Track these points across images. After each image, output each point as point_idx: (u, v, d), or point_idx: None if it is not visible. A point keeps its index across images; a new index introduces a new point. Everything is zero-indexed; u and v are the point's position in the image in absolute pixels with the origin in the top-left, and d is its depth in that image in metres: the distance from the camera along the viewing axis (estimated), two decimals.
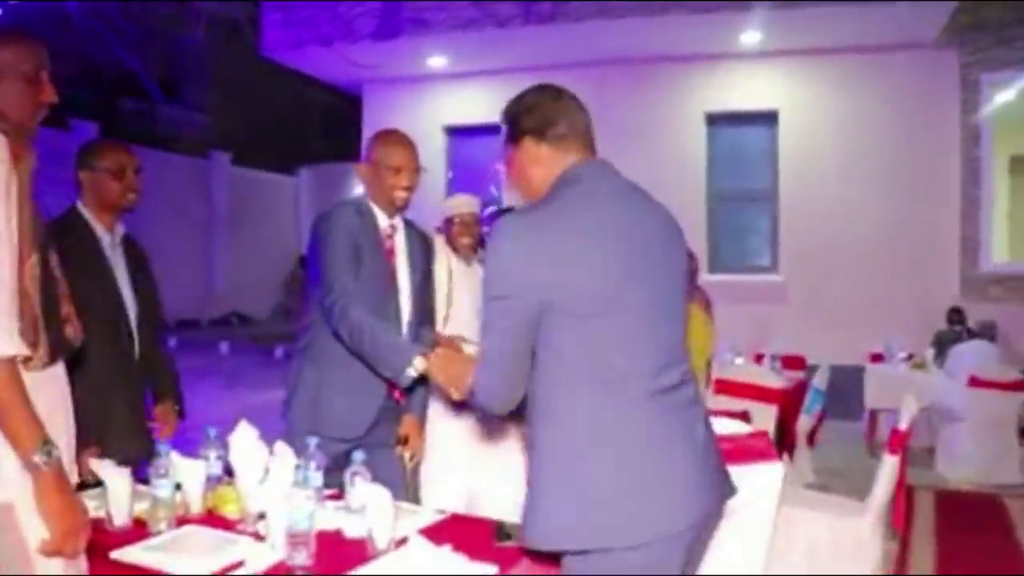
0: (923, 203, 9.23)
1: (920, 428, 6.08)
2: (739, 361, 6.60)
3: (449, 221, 3.90)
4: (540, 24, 8.89)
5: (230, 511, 2.33)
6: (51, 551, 1.66)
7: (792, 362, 7.05)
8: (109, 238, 2.93)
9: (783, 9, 8.17)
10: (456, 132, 10.97)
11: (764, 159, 9.95)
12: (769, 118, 9.80)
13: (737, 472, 2.83)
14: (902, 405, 3.81)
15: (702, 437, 1.95)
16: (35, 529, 1.67)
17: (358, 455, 2.32)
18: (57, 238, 2.62)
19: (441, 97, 10.87)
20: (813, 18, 8.31)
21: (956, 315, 7.87)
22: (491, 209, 10.96)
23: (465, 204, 3.97)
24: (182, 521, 2.29)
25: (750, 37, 9.04)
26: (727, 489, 2.04)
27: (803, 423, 5.96)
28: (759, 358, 7.07)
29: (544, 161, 2.06)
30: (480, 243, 4.08)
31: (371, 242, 2.95)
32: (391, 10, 9.24)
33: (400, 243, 3.04)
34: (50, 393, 1.76)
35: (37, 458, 1.62)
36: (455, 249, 3.86)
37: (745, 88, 9.76)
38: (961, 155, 9.20)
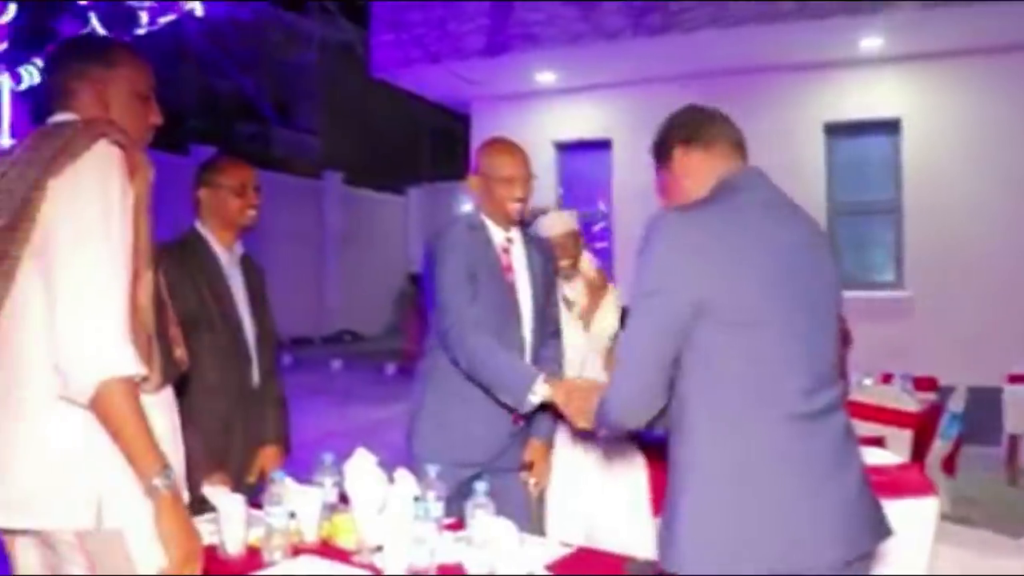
0: None
1: None
2: (867, 382, 6.26)
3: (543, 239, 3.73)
4: (650, 36, 8.72)
5: (345, 541, 2.23)
6: None
7: (924, 383, 6.65)
8: (228, 256, 2.89)
9: (905, 12, 7.82)
10: (566, 148, 10.87)
11: (887, 169, 9.55)
12: (891, 127, 9.41)
13: (888, 508, 2.62)
14: None
15: (856, 469, 1.79)
16: (145, 556, 1.62)
17: (481, 486, 2.19)
18: (178, 258, 2.61)
19: (550, 112, 10.81)
20: (937, 20, 7.94)
21: None
22: (600, 225, 10.90)
23: (560, 224, 3.68)
24: (296, 550, 2.21)
25: (870, 42, 8.69)
26: (882, 530, 1.84)
27: (938, 449, 5.60)
28: (887, 378, 6.71)
29: (696, 169, 1.98)
30: (578, 259, 3.82)
31: (486, 259, 2.83)
32: (500, 26, 9.22)
33: (519, 256, 2.92)
34: (161, 417, 1.72)
35: (157, 481, 1.58)
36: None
37: (865, 96, 9.39)
38: None
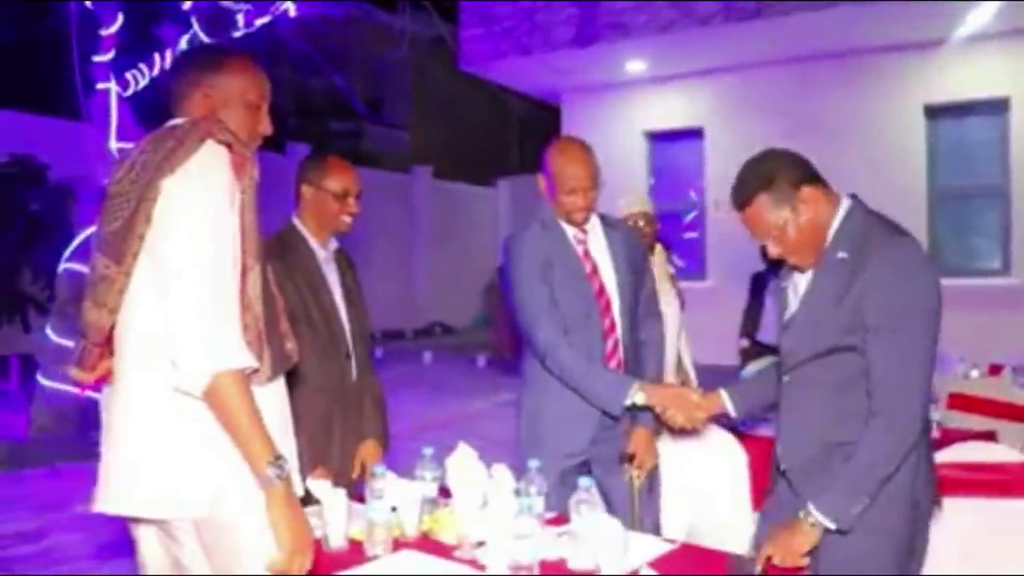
0: None
1: None
2: (975, 374, 6.02)
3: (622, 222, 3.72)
4: (743, 21, 8.54)
5: (447, 536, 2.25)
6: (280, 569, 1.65)
7: None
8: (324, 253, 2.92)
9: None
10: (657, 137, 10.77)
11: (992, 152, 9.19)
12: (998, 106, 9.03)
13: (1007, 508, 2.53)
14: None
15: None
16: (257, 547, 1.66)
17: (585, 481, 2.18)
18: (277, 254, 2.66)
19: (640, 102, 10.72)
20: None
21: None
22: (693, 215, 10.75)
23: (637, 203, 3.83)
24: (397, 545, 2.23)
25: (977, 18, 8.31)
26: None
27: None
28: (995, 370, 6.44)
29: (821, 204, 2.19)
30: (654, 244, 3.93)
31: (561, 252, 2.87)
32: (589, 16, 9.16)
33: (597, 243, 2.91)
34: (272, 408, 1.75)
35: (270, 472, 1.62)
36: None
37: (969, 75, 9.04)
38: None
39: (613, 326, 2.86)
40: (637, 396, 2.61)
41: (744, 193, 2.20)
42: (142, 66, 7.83)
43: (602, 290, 2.86)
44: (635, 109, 10.73)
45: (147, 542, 1.81)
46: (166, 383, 1.63)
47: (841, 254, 2.11)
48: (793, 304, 2.27)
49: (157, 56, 7.81)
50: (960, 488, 2.68)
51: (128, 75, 7.70)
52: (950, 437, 3.78)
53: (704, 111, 10.23)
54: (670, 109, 10.58)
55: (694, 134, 10.21)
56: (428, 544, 2.26)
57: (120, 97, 7.69)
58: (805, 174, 2.18)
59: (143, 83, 7.83)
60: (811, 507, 2.04)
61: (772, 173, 2.17)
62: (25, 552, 4.78)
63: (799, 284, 2.25)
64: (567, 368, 2.70)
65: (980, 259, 9.37)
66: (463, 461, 2.23)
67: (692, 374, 4.22)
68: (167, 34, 7.74)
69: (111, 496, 1.70)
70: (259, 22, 7.75)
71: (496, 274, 17.03)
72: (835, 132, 9.28)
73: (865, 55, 9.20)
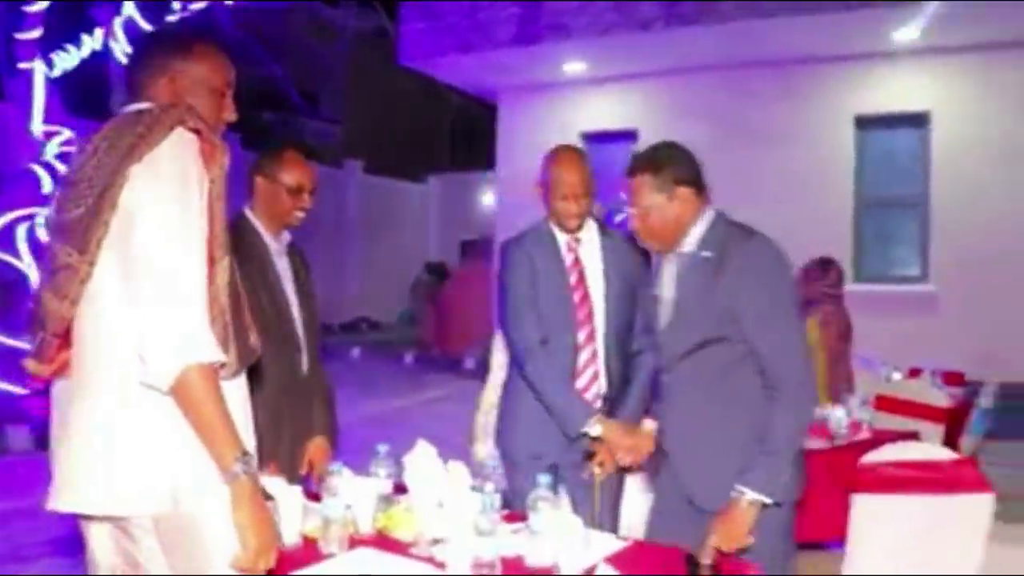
0: None
1: None
2: (896, 376, 6.23)
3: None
4: (684, 26, 8.65)
5: (403, 534, 2.24)
6: (244, 567, 1.61)
7: (952, 378, 6.61)
8: (277, 245, 2.88)
9: (943, 4, 7.72)
10: (593, 138, 10.83)
11: (914, 164, 9.48)
12: (920, 120, 9.33)
13: (943, 503, 2.63)
14: None
15: None
16: (220, 544, 1.62)
17: (543, 478, 2.20)
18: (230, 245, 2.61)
19: (578, 103, 10.78)
20: (975, 12, 7.84)
21: None
22: (622, 216, 10.87)
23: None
24: (352, 542, 2.21)
25: (905, 34, 8.59)
26: None
27: (968, 444, 5.57)
28: (914, 373, 6.68)
29: (690, 207, 2.46)
30: None
31: (549, 262, 2.92)
32: (531, 16, 9.18)
33: (591, 254, 2.94)
34: (235, 403, 1.70)
35: (237, 468, 1.58)
36: None
37: (896, 88, 9.31)
38: None
39: (592, 336, 2.89)
40: (594, 428, 2.73)
41: (636, 165, 2.49)
42: (70, 47, 7.61)
43: (585, 299, 2.89)
44: (572, 109, 10.79)
45: (98, 540, 1.76)
46: (129, 376, 1.59)
47: (706, 253, 2.37)
48: (665, 308, 2.48)
49: (86, 37, 7.61)
50: (896, 486, 2.77)
51: (55, 56, 7.48)
52: (880, 438, 3.91)
53: (640, 114, 10.31)
54: (606, 110, 10.66)
55: (629, 136, 10.30)
56: (384, 541, 2.25)
57: (46, 77, 7.45)
58: (690, 178, 2.43)
59: (71, 63, 7.62)
60: (742, 487, 2.23)
61: (665, 163, 2.44)
62: None
63: (666, 287, 2.48)
64: (537, 379, 2.80)
65: (900, 266, 9.65)
66: (422, 459, 2.23)
67: None
68: (100, 15, 7.52)
69: (65, 493, 1.65)
70: (195, 6, 7.57)
71: (424, 271, 17.02)
72: (767, 139, 9.48)
73: (799, 65, 9.40)
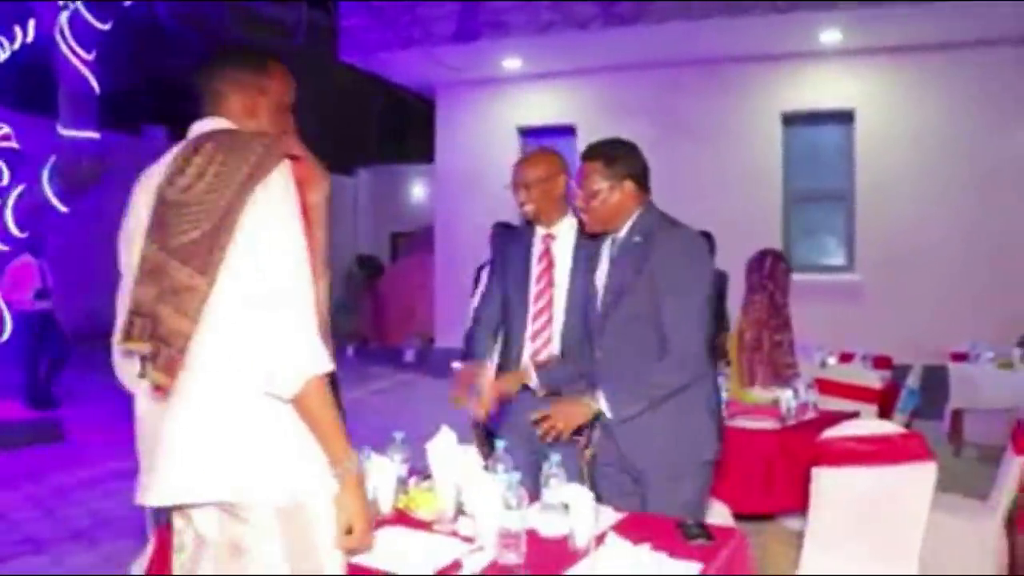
0: (1003, 202, 9.14)
1: (999, 427, 5.98)
2: (831, 361, 6.60)
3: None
4: (620, 25, 8.93)
5: (423, 513, 2.42)
6: (353, 547, 1.81)
7: (881, 362, 7.03)
8: None
9: (866, 8, 8.15)
10: (529, 133, 11.03)
11: (840, 159, 9.93)
12: (845, 117, 9.78)
13: (890, 472, 2.92)
14: None
15: None
16: (326, 531, 1.80)
17: (555, 457, 2.41)
18: None
19: (515, 98, 10.97)
20: (896, 16, 8.29)
21: None
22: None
23: None
24: (377, 523, 2.37)
25: (830, 36, 9.04)
26: None
27: (897, 422, 5.93)
28: (846, 357, 7.05)
29: (630, 200, 2.74)
30: None
31: (516, 252, 3.19)
32: (470, 13, 9.34)
33: (562, 249, 3.13)
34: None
35: (348, 465, 1.77)
36: None
37: (822, 87, 9.76)
38: None
39: (547, 324, 3.09)
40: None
41: (591, 152, 2.76)
42: (2, 39, 7.50)
43: (547, 289, 3.10)
44: (509, 104, 10.99)
45: (205, 524, 1.83)
46: (248, 386, 1.71)
47: (636, 238, 2.69)
48: (600, 290, 2.78)
49: (19, 29, 7.51)
50: (852, 458, 3.03)
51: None
52: (826, 418, 4.22)
53: (577, 109, 10.56)
54: (544, 106, 10.89)
55: (567, 131, 10.53)
56: (406, 520, 2.42)
57: None
58: (637, 175, 2.73)
59: (2, 56, 7.51)
60: (600, 395, 2.62)
61: (619, 157, 2.72)
62: None
63: (602, 271, 2.79)
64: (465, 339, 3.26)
65: (827, 256, 10.14)
66: (445, 443, 2.42)
67: None
68: (41, 8, 7.42)
69: (189, 486, 1.75)
70: None
71: (356, 263, 17.02)
72: (701, 135, 9.84)
73: (730, 65, 9.79)
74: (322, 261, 1.84)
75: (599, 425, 2.75)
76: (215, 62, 1.98)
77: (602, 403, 2.60)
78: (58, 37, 7.33)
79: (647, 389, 2.60)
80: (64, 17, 7.25)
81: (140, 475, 1.83)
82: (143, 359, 1.75)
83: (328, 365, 1.72)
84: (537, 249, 3.15)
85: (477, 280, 7.53)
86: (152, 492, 1.78)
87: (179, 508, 1.84)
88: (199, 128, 1.89)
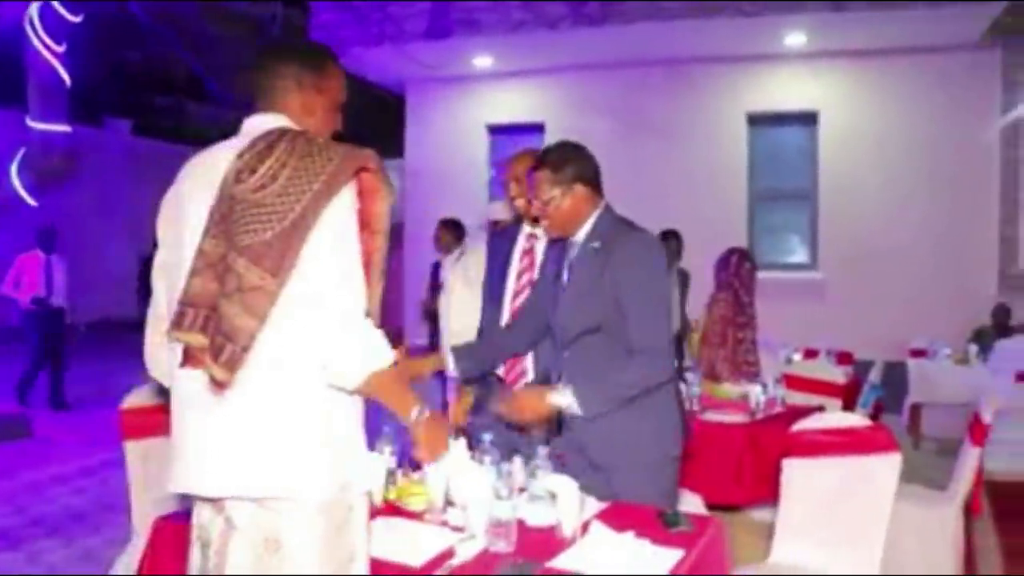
0: (962, 203, 9.40)
1: (956, 421, 6.14)
2: (797, 357, 6.76)
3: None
4: (590, 26, 9.04)
5: (414, 504, 2.50)
6: (423, 458, 2.05)
7: (843, 358, 7.20)
8: None
9: (830, 12, 8.33)
10: (498, 130, 11.10)
11: (804, 159, 10.12)
12: (809, 119, 9.97)
13: (857, 463, 3.04)
14: (983, 399, 3.92)
15: None
16: (362, 525, 1.90)
17: (542, 449, 2.49)
18: None
19: (484, 95, 11.03)
20: (858, 20, 8.49)
21: (1002, 312, 8.01)
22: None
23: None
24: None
25: (794, 39, 9.22)
26: None
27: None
28: (809, 353, 7.21)
29: (583, 203, 2.76)
30: None
31: (500, 248, 3.32)
32: (442, 11, 9.39)
33: (543, 251, 3.21)
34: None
35: (414, 413, 1.92)
36: None
37: (786, 89, 9.95)
38: (1001, 156, 9.36)
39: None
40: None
41: (541, 160, 2.77)
42: None
43: (523, 289, 3.22)
44: (479, 102, 11.05)
45: (241, 517, 1.82)
46: (306, 383, 1.76)
47: (594, 244, 2.72)
48: (561, 292, 2.84)
49: None
50: (821, 449, 3.14)
51: None
52: (793, 412, 4.35)
53: (546, 107, 10.66)
54: (513, 104, 10.96)
55: (535, 128, 10.62)
56: (397, 511, 2.50)
57: None
58: (588, 177, 2.74)
59: None
60: (568, 390, 2.64)
61: (567, 162, 2.73)
62: None
63: (564, 273, 2.85)
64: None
65: (791, 255, 10.34)
66: None
67: None
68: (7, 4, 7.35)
69: (237, 479, 1.77)
70: None
71: None
72: (667, 134, 9.98)
73: (697, 65, 9.95)
74: (380, 268, 1.89)
75: (565, 420, 2.79)
76: (276, 59, 1.96)
77: (572, 400, 2.62)
78: (28, 29, 7.25)
79: (618, 389, 2.64)
80: (34, 8, 7.18)
81: (173, 463, 1.85)
82: (187, 350, 1.79)
83: (390, 359, 1.79)
84: (520, 246, 3.26)
85: (434, 276, 7.61)
86: (195, 481, 1.81)
87: (214, 500, 1.85)
88: (260, 124, 1.89)
